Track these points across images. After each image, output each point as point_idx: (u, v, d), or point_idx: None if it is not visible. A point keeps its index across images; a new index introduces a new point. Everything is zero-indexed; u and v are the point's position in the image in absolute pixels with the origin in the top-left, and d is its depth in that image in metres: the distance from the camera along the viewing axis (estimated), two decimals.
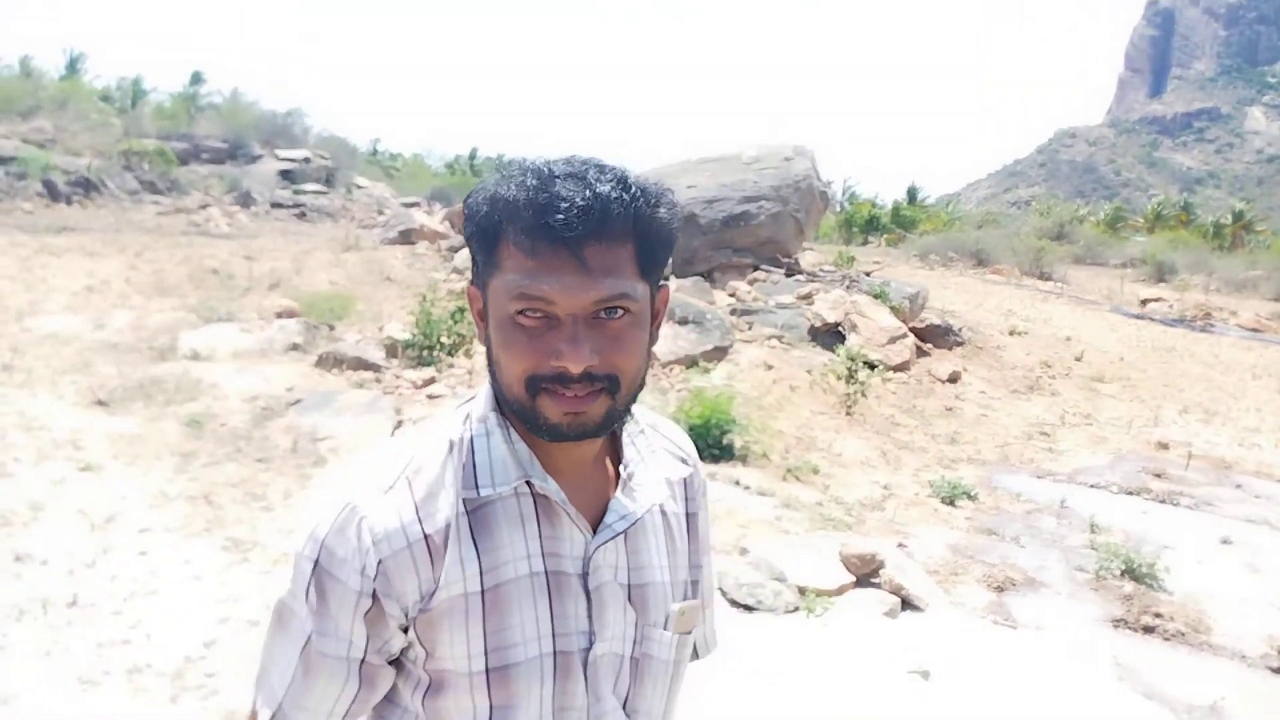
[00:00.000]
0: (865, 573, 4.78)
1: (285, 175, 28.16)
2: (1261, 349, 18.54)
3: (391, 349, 8.38)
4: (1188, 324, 21.28)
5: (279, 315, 9.44)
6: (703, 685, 3.56)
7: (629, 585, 1.08)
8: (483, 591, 0.99)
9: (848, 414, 8.91)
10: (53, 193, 20.54)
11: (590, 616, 1.04)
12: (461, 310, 9.16)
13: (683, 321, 9.82)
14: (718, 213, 13.51)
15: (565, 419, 0.96)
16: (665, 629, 1.11)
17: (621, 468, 1.10)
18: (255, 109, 35.90)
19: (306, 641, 1.00)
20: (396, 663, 1.04)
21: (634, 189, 0.96)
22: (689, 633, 1.15)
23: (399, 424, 6.48)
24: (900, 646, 4.20)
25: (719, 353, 9.49)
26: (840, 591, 4.63)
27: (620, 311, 0.96)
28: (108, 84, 41.40)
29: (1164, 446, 9.55)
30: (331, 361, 7.84)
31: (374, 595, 0.96)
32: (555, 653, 1.02)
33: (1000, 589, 5.26)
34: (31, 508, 4.86)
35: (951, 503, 6.84)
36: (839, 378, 9.61)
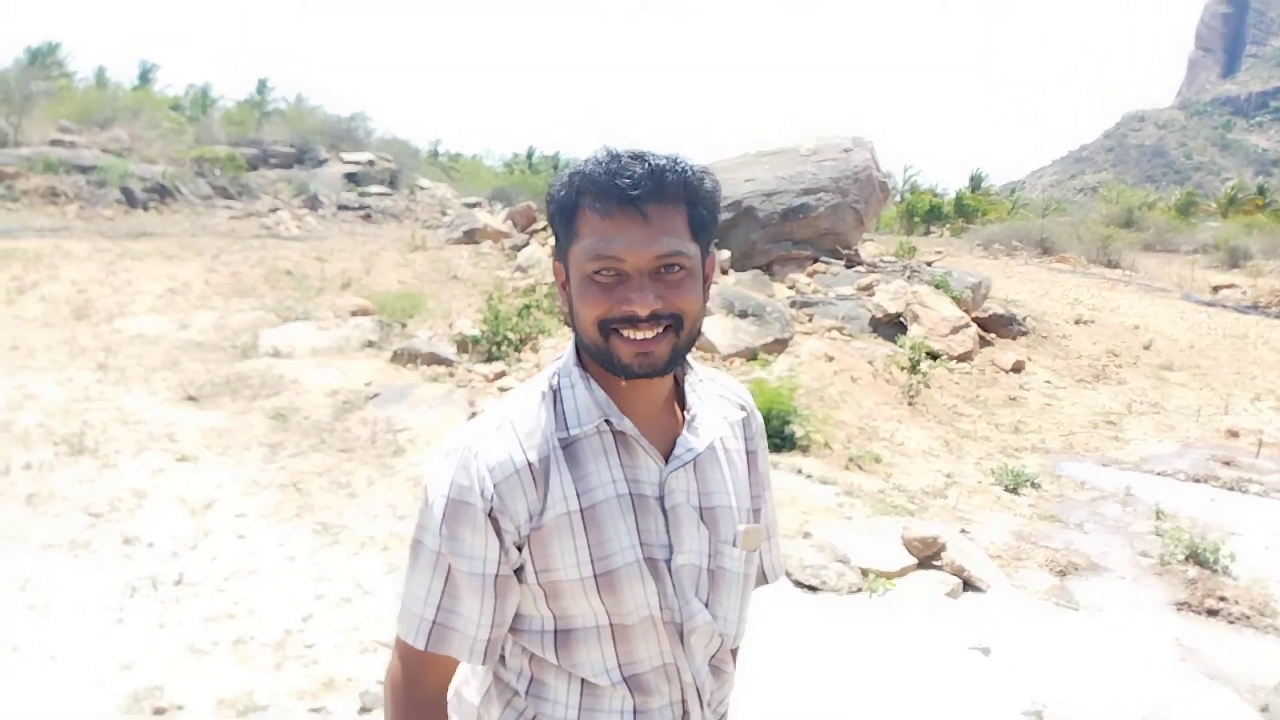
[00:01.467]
0: (927, 555, 4.89)
1: (350, 178, 28.83)
2: None
3: (462, 345, 8.66)
4: (1261, 310, 20.74)
5: (353, 313, 9.80)
6: (770, 660, 3.72)
7: (700, 507, 1.28)
8: (581, 510, 1.20)
9: (910, 404, 8.97)
10: (130, 199, 21.35)
11: (668, 531, 1.24)
12: (528, 307, 9.41)
13: (742, 314, 9.95)
14: (776, 205, 13.60)
15: (635, 359, 1.18)
16: (735, 546, 1.32)
17: (686, 411, 1.32)
18: (319, 114, 36.81)
19: (447, 566, 1.21)
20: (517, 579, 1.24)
21: (683, 163, 1.20)
22: (754, 550, 1.37)
23: (473, 415, 6.74)
24: (961, 625, 4.31)
25: (779, 345, 9.60)
26: (902, 573, 4.75)
27: (677, 268, 1.18)
28: (177, 93, 42.72)
29: (1234, 434, 9.42)
30: (406, 357, 8.15)
31: (492, 513, 1.18)
32: (645, 559, 1.22)
33: (1063, 573, 5.32)
34: (135, 495, 5.19)
35: (1015, 490, 6.89)
36: (901, 368, 9.67)
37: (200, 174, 24.92)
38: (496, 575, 1.20)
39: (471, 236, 16.74)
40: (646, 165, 1.16)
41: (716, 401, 1.38)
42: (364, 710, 3.38)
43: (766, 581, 1.53)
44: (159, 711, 3.29)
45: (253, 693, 3.43)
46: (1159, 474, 7.79)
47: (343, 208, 24.97)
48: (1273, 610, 4.99)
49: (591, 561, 1.20)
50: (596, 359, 1.22)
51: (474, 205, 26.14)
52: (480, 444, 1.20)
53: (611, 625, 1.23)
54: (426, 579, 1.22)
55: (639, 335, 1.16)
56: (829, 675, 3.77)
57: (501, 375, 7.93)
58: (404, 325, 9.68)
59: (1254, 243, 33.50)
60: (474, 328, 9.05)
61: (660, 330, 1.17)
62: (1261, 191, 57.67)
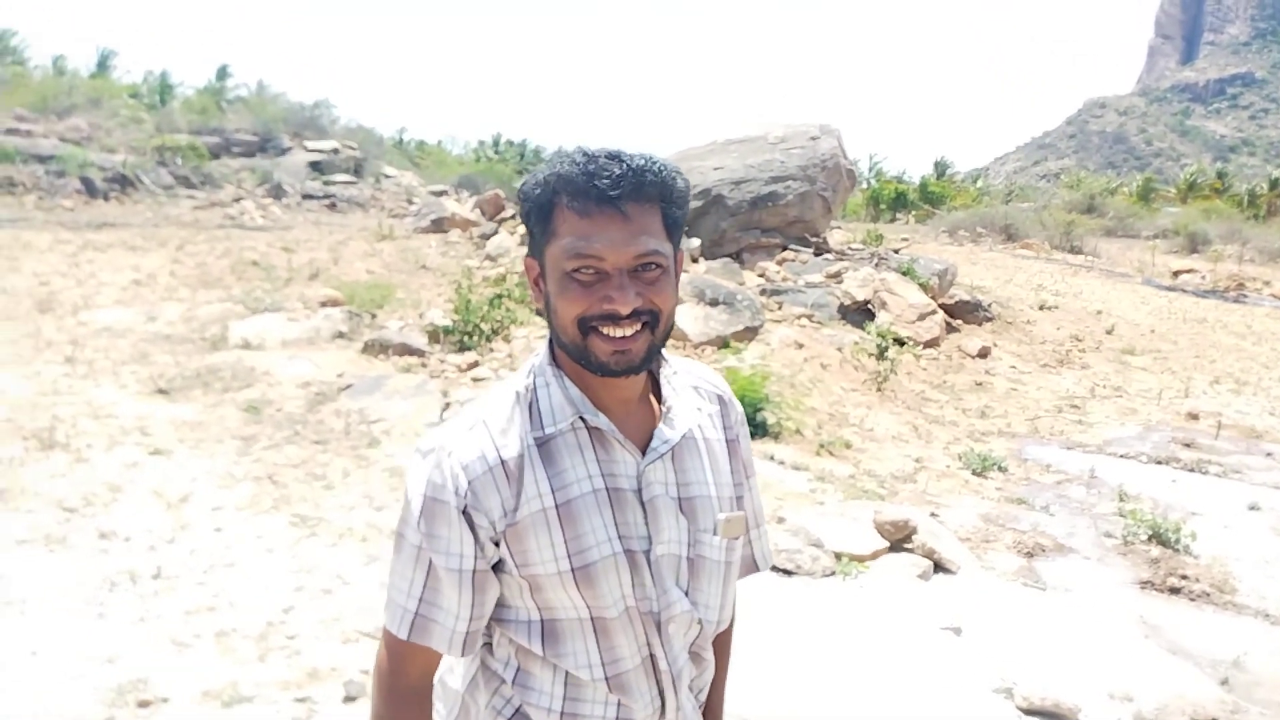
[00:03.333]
0: (898, 538, 4.99)
1: (315, 166, 28.54)
2: None
3: (434, 335, 8.65)
4: (1220, 295, 21.17)
5: (323, 304, 9.75)
6: (747, 643, 3.80)
7: (679, 498, 1.31)
8: (556, 507, 1.23)
9: (879, 390, 9.09)
10: (90, 189, 21.00)
11: (647, 523, 1.28)
12: (499, 297, 9.40)
13: (713, 303, 10.02)
14: (745, 194, 13.66)
15: (613, 357, 1.20)
16: (715, 534, 1.35)
17: (662, 403, 1.34)
18: (282, 101, 36.38)
19: (428, 560, 1.24)
20: (498, 573, 1.28)
21: (659, 163, 1.22)
22: (736, 538, 1.39)
23: (446, 405, 6.75)
24: (932, 605, 4.42)
25: (750, 333, 9.68)
26: (874, 556, 4.85)
27: (654, 266, 1.21)
28: (136, 81, 41.97)
29: (1194, 417, 9.65)
30: (378, 348, 8.13)
31: (466, 510, 1.20)
32: (624, 551, 1.26)
33: (1030, 554, 5.45)
34: (110, 489, 5.17)
35: (982, 474, 7.02)
36: (869, 355, 9.79)
37: (162, 163, 24.54)
38: (474, 571, 1.24)
39: (439, 225, 16.66)
40: (625, 166, 1.18)
41: (691, 393, 1.41)
42: (349, 699, 3.41)
43: (757, 569, 1.56)
44: (144, 704, 3.30)
45: (237, 684, 3.44)
46: (1122, 456, 7.96)
47: (307, 197, 24.70)
48: (1231, 588, 5.15)
49: (569, 556, 1.23)
50: (573, 356, 1.24)
51: (440, 193, 25.98)
52: (454, 443, 1.23)
53: (593, 619, 1.26)
54: (410, 572, 1.26)
55: (619, 333, 1.19)
56: (805, 656, 3.86)
57: (474, 365, 7.94)
58: (374, 316, 9.64)
59: (1212, 228, 34.14)
60: (445, 318, 9.03)
61: (639, 328, 1.20)
62: (1220, 177, 58.68)
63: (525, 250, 1.34)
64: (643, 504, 1.27)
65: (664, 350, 1.36)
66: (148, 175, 23.20)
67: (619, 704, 1.30)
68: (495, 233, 14.97)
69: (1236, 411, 10.07)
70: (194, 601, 4.03)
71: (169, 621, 3.85)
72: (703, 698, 1.45)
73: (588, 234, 1.18)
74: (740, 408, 1.51)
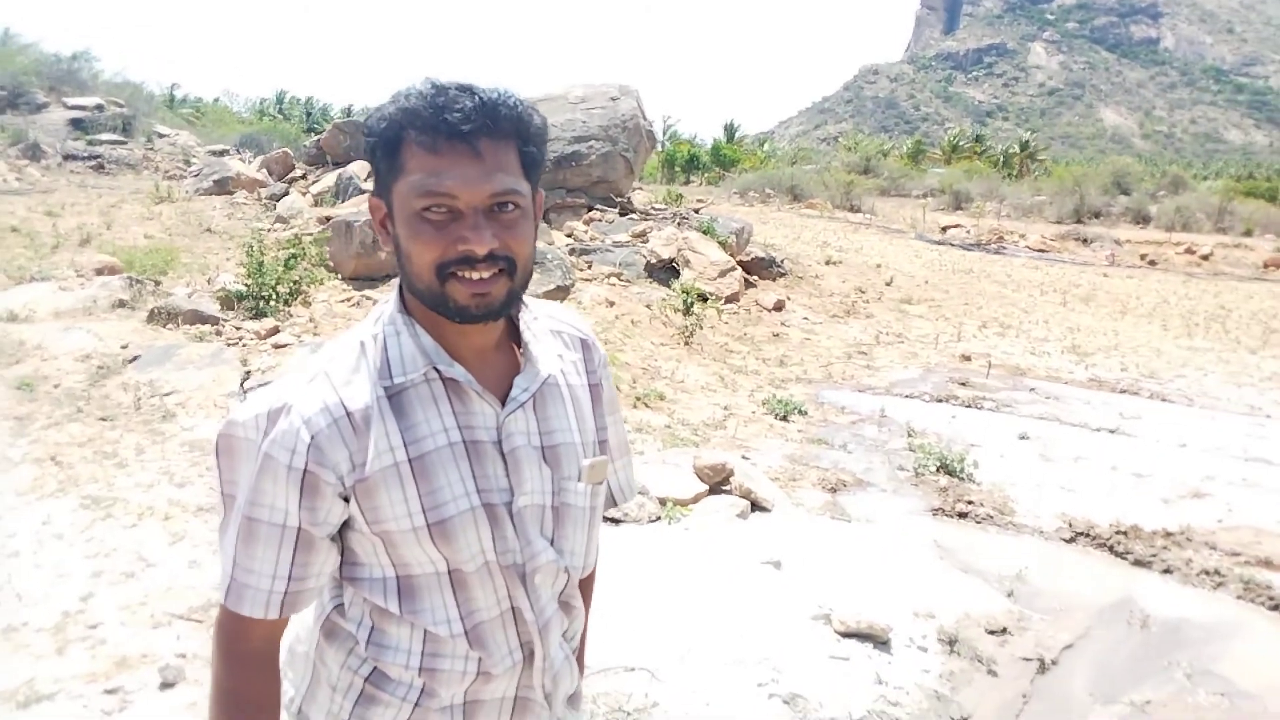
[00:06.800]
0: (717, 481, 5.19)
1: (76, 124, 25.99)
2: (1047, 267, 20.36)
3: (226, 301, 8.15)
4: (983, 248, 23.03)
5: (99, 272, 8.96)
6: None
7: (542, 447, 1.27)
8: (409, 460, 1.16)
9: (686, 344, 9.36)
10: None
11: (508, 475, 1.23)
12: (295, 257, 8.95)
13: None
14: (549, 153, 13.58)
15: (472, 300, 1.14)
16: (579, 481, 1.31)
17: (521, 350, 1.28)
18: (35, 51, 32.83)
19: (245, 520, 1.16)
20: (345, 533, 1.21)
21: (513, 98, 1.15)
22: (600, 483, 1.37)
23: (247, 374, 6.40)
24: (753, 542, 4.63)
25: (561, 292, 9.69)
26: (696, 500, 5.03)
27: (511, 206, 1.14)
28: None
29: (967, 358, 10.50)
30: (165, 316, 7.57)
31: (307, 468, 1.12)
32: (483, 505, 1.21)
33: (834, 490, 5.80)
34: None
35: (785, 418, 7.38)
36: (676, 311, 10.04)
37: None
38: (299, 528, 1.16)
39: (224, 186, 15.64)
40: (477, 99, 1.11)
41: (553, 339, 1.35)
42: (165, 685, 3.21)
43: (616, 503, 1.54)
44: None
45: (34, 681, 3.17)
46: (907, 396, 8.57)
47: (70, 157, 22.50)
48: (1010, 509, 5.67)
49: (424, 511, 1.17)
50: (429, 304, 1.16)
51: (222, 153, 24.32)
52: (293, 397, 1.14)
53: (450, 573, 1.21)
54: (232, 534, 1.18)
55: (476, 275, 1.12)
56: (636, 599, 3.96)
57: (275, 331, 7.55)
58: (158, 283, 8.96)
59: (974, 186, 37.06)
60: (237, 282, 8.53)
61: (496, 271, 1.13)
62: (979, 139, 63.52)
63: (370, 191, 1.23)
64: (503, 455, 1.22)
65: (525, 296, 1.30)
66: None
67: (479, 659, 1.25)
68: (286, 193, 14.20)
69: (1003, 352, 11.04)
70: None
71: None
72: (575, 644, 1.42)
73: (438, 170, 1.10)
74: (604, 351, 1.47)
